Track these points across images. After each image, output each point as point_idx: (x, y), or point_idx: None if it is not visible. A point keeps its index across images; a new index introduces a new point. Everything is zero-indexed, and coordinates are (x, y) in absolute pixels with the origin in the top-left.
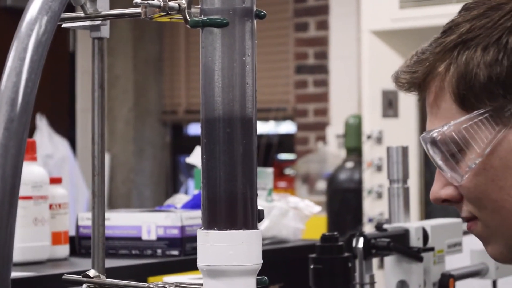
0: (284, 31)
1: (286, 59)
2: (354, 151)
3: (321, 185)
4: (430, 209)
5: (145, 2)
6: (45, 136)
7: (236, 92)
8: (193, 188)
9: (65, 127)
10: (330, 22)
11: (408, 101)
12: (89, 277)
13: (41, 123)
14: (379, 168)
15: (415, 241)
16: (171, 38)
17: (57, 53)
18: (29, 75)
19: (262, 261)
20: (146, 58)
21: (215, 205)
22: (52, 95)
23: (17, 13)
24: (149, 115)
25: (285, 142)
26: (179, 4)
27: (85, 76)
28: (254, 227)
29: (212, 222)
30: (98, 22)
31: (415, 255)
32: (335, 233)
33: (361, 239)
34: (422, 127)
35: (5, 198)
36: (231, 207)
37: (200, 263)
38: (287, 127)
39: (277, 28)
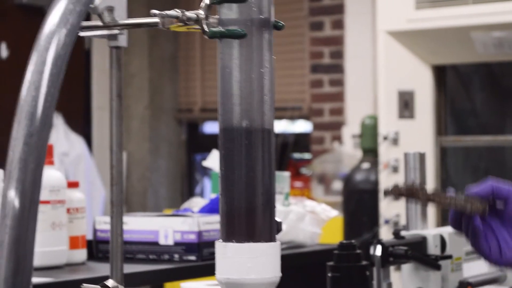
0: (299, 30)
1: (302, 58)
2: (370, 152)
3: (337, 185)
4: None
5: (163, 12)
6: (61, 134)
7: (254, 103)
8: (209, 187)
9: (81, 124)
10: (345, 21)
11: (424, 102)
12: (108, 287)
13: (57, 120)
14: (395, 169)
15: (433, 249)
16: (186, 36)
17: (73, 51)
18: (48, 89)
19: (280, 274)
20: (161, 56)
21: (233, 217)
22: (68, 93)
23: (33, 10)
24: (165, 113)
25: (301, 141)
26: (197, 15)
27: (101, 74)
28: (273, 239)
29: (230, 234)
30: (116, 31)
31: (432, 263)
32: (353, 241)
33: (379, 247)
34: (438, 128)
35: (25, 213)
36: (249, 220)
37: (218, 275)
38: (303, 126)
39: (293, 27)
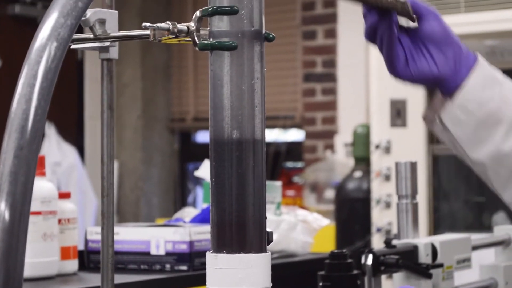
0: (292, 39)
1: (294, 67)
2: (363, 161)
3: (329, 193)
4: (438, 215)
5: (154, 25)
6: (53, 143)
7: (245, 115)
8: (201, 196)
9: (73, 134)
10: (338, 31)
11: (416, 111)
12: None
13: (50, 130)
14: (387, 178)
15: (424, 258)
16: (179, 46)
17: (65, 61)
18: (39, 102)
19: (271, 284)
20: (154, 66)
21: (224, 228)
22: (61, 102)
23: (25, 21)
24: (158, 122)
25: (293, 150)
26: (187, 27)
27: (93, 84)
28: (263, 250)
29: (221, 245)
30: (107, 44)
31: (424, 272)
32: (344, 250)
33: (370, 256)
34: (431, 137)
35: (15, 226)
36: (240, 231)
37: (209, 286)
38: (295, 135)
39: (285, 36)
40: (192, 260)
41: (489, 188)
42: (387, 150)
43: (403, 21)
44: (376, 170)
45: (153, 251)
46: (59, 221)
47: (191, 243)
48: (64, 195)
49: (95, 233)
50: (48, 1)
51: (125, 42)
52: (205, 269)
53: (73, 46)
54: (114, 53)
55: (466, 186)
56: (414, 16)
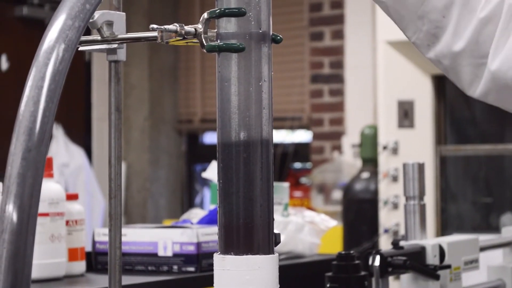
0: (299, 40)
1: (302, 68)
2: (370, 162)
3: (337, 195)
4: (445, 216)
5: (162, 27)
6: (61, 145)
7: (252, 117)
8: (209, 197)
9: (81, 135)
10: (345, 32)
11: (424, 112)
12: None
13: (57, 132)
14: (395, 179)
15: (432, 259)
16: (186, 47)
17: (73, 62)
18: (47, 104)
19: (278, 286)
20: (161, 67)
21: (232, 230)
22: (68, 104)
23: (34, 23)
24: (165, 124)
25: (301, 151)
26: (195, 29)
27: (101, 85)
28: (271, 251)
29: (229, 247)
30: (115, 46)
31: (431, 273)
32: (351, 251)
33: (378, 257)
34: (438, 138)
35: (23, 227)
36: (247, 232)
37: (217, 287)
38: (303, 136)
39: (293, 37)
40: (199, 262)
41: (497, 189)
42: (395, 151)
43: None
44: (383, 171)
45: (161, 253)
46: (67, 222)
47: (198, 245)
48: (71, 197)
49: (102, 235)
50: (56, 3)
51: (133, 44)
52: (212, 270)
53: (81, 48)
54: (121, 55)
55: (474, 187)
56: None
